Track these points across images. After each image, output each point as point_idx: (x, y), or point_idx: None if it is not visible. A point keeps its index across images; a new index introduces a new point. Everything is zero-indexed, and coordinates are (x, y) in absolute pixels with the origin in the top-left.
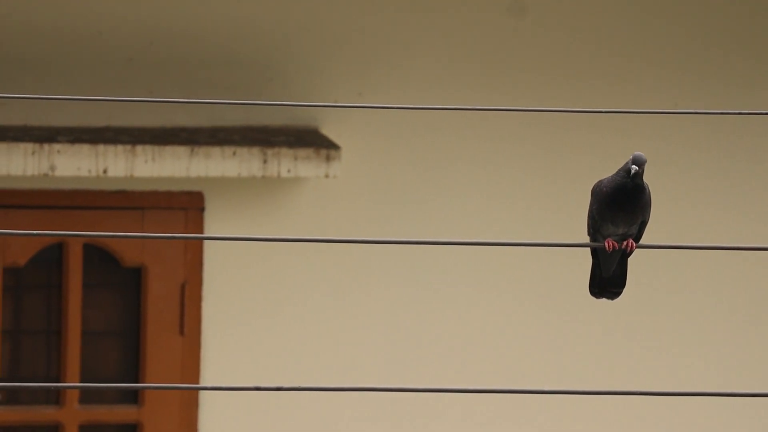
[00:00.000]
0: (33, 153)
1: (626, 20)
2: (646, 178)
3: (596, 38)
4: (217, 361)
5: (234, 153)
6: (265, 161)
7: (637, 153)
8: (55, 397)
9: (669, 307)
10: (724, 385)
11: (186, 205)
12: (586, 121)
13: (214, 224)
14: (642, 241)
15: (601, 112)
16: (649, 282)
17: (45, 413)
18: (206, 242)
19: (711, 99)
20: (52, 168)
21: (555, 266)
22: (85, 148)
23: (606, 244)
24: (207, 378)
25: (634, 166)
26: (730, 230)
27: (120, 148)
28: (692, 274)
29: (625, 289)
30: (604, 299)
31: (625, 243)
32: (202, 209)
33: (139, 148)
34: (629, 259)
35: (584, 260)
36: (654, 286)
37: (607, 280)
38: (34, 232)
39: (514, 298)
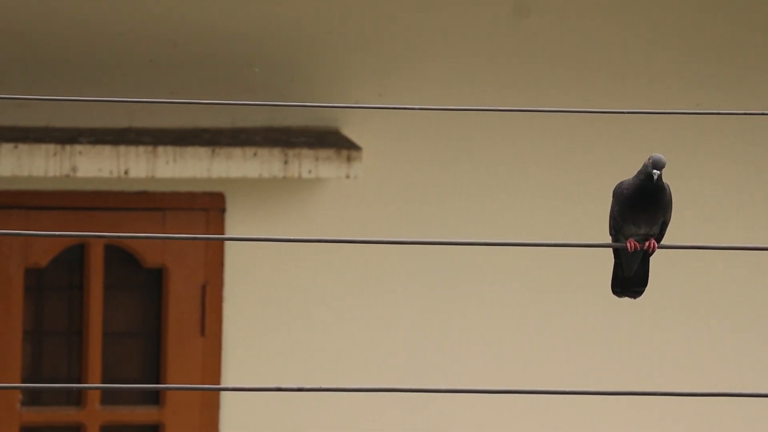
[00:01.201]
0: (55, 154)
1: (646, 20)
2: (667, 178)
3: (615, 38)
4: (238, 362)
5: (255, 154)
6: (286, 162)
7: (657, 155)
8: (77, 398)
9: (690, 307)
10: (744, 386)
11: (207, 206)
12: (607, 120)
13: (235, 225)
14: (664, 241)
15: (619, 112)
16: (672, 281)
17: (67, 414)
18: (227, 243)
19: (732, 99)
20: (74, 169)
21: (577, 266)
22: (106, 149)
23: (628, 244)
24: (228, 379)
25: (656, 171)
26: (752, 231)
27: (141, 149)
28: (714, 274)
29: (647, 289)
30: (626, 298)
31: (646, 243)
32: (223, 210)
33: (160, 149)
34: (651, 259)
35: (606, 260)
36: (676, 286)
37: (629, 280)
38: (56, 233)
39: (535, 299)
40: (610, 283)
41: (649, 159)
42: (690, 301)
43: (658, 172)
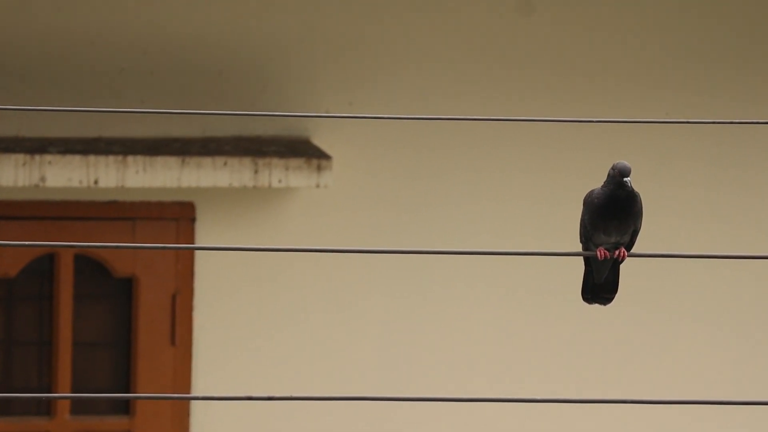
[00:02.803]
0: (24, 164)
1: (627, 28)
2: (638, 187)
3: (590, 44)
4: (208, 371)
5: (225, 163)
6: (256, 171)
7: (621, 163)
8: (47, 408)
9: (661, 314)
10: (712, 392)
11: (177, 216)
12: (580, 129)
13: (205, 234)
14: (634, 250)
15: (587, 121)
16: (642, 288)
17: (36, 424)
18: (197, 252)
19: (701, 108)
20: (43, 179)
21: (551, 273)
22: (76, 159)
23: (598, 253)
24: (198, 388)
25: (626, 179)
26: (721, 239)
27: (111, 158)
28: (684, 281)
29: (617, 295)
30: (596, 305)
31: (617, 252)
32: (193, 219)
33: (130, 158)
34: (621, 266)
35: (580, 267)
36: (647, 293)
37: (600, 286)
38: (26, 243)
39: (508, 306)
40: (581, 290)
41: (613, 168)
42: (660, 307)
43: (629, 179)
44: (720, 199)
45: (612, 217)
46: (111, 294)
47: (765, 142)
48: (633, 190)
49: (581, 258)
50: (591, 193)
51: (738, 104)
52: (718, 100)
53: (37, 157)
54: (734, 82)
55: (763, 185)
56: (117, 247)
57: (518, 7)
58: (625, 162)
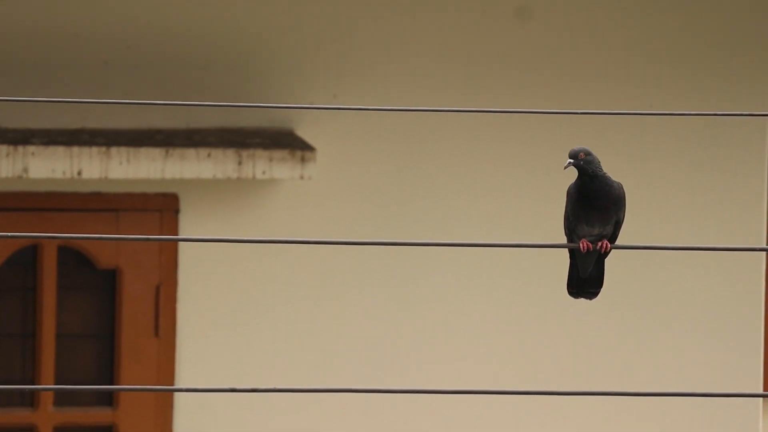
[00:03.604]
0: (7, 155)
1: (616, 21)
2: (623, 179)
3: (577, 40)
4: (192, 363)
5: (209, 155)
6: (240, 163)
7: (572, 148)
8: (30, 400)
9: (648, 308)
10: (700, 385)
11: (161, 207)
12: (565, 121)
13: (189, 226)
14: (618, 242)
15: (571, 113)
16: (627, 282)
17: (19, 415)
18: (181, 244)
19: (685, 101)
20: (26, 170)
21: (536, 266)
22: (59, 150)
23: (581, 245)
24: (182, 380)
25: (568, 160)
26: (709, 231)
27: (95, 150)
28: (670, 274)
29: (603, 290)
30: (582, 299)
31: (599, 244)
32: (177, 211)
33: (113, 150)
34: (606, 260)
35: (567, 260)
36: (632, 287)
37: (585, 281)
38: (8, 234)
39: (494, 298)
40: (567, 284)
41: None
42: (645, 302)
43: (570, 160)
44: (705, 192)
45: (589, 206)
46: (94, 285)
47: (750, 135)
48: (593, 172)
49: (567, 251)
50: (571, 184)
51: (724, 97)
52: (703, 93)
53: (21, 149)
54: (719, 76)
55: (748, 178)
56: (100, 238)
57: None
58: (576, 147)
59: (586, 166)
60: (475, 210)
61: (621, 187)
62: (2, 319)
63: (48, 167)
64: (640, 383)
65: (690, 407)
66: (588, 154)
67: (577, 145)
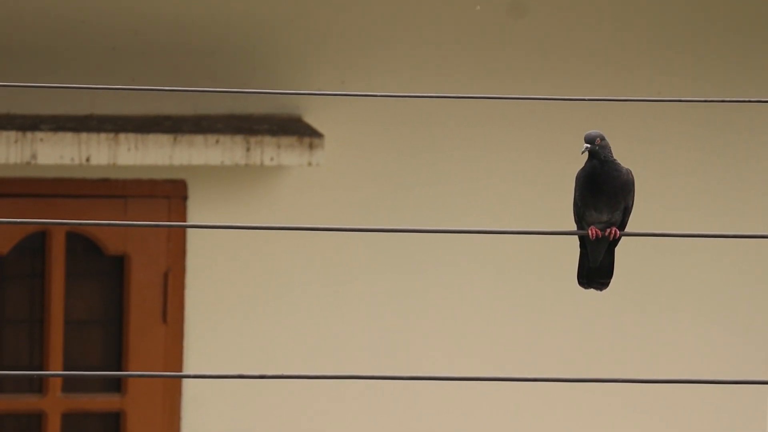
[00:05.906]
0: (16, 141)
1: (617, 12)
2: (632, 166)
3: (585, 26)
4: (200, 350)
5: (217, 141)
6: (248, 149)
7: (588, 132)
8: (38, 386)
9: (657, 296)
10: (709, 374)
11: (169, 194)
12: (573, 107)
13: (197, 212)
14: (627, 230)
15: (578, 99)
16: (636, 271)
17: (28, 402)
18: (189, 230)
19: (697, 88)
20: (35, 156)
21: (546, 254)
22: (68, 137)
23: (590, 231)
24: (190, 366)
25: (585, 145)
26: (719, 219)
27: (103, 136)
28: (680, 262)
29: (613, 280)
30: (592, 290)
31: (608, 231)
32: (185, 197)
33: (122, 136)
34: (617, 250)
35: (576, 249)
36: (641, 275)
37: (595, 271)
38: (17, 220)
39: (502, 285)
40: (577, 273)
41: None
42: (654, 290)
43: (587, 145)
44: (716, 179)
45: (597, 191)
46: (102, 272)
47: (759, 121)
48: (604, 156)
49: (578, 240)
50: (579, 170)
51: (732, 83)
52: (711, 79)
53: (29, 135)
54: (729, 61)
55: (760, 164)
56: (109, 224)
57: None
58: (592, 131)
59: (600, 151)
60: (483, 197)
61: (630, 173)
62: (11, 306)
63: (56, 153)
64: (649, 372)
65: (700, 395)
66: (603, 138)
67: (590, 130)
